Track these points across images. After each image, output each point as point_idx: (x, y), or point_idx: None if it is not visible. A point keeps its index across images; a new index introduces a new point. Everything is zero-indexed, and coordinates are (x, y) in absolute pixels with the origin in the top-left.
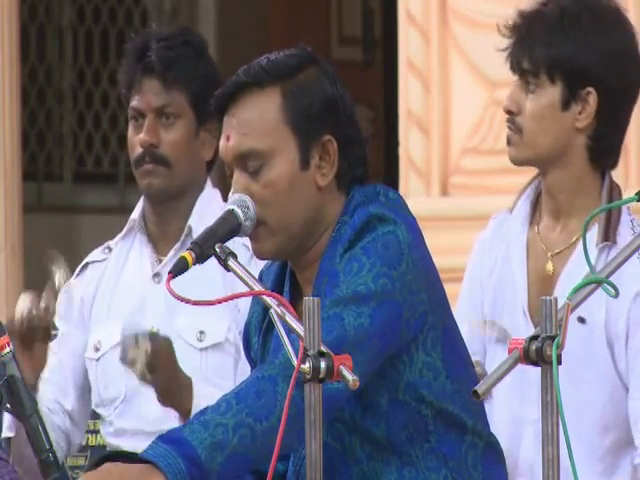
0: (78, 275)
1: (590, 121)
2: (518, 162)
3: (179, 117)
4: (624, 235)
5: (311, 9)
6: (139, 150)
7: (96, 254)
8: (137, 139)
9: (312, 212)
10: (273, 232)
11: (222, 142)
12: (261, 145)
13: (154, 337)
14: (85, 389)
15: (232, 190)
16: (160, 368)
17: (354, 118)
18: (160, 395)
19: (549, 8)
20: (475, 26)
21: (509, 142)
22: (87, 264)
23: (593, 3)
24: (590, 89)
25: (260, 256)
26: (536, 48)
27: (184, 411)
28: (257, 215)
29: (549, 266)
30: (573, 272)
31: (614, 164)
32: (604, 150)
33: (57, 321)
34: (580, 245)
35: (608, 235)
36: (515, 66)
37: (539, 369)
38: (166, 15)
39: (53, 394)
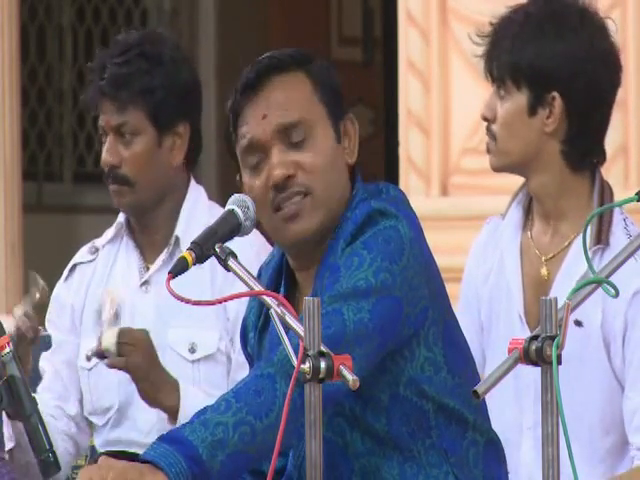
0: (67, 279)
1: (558, 125)
2: (497, 169)
3: (137, 134)
4: (618, 236)
5: (311, 9)
6: (105, 169)
7: (84, 254)
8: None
9: (342, 190)
10: (318, 203)
11: (255, 123)
12: (305, 115)
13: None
14: None
15: (278, 171)
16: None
17: None
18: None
19: (517, 14)
20: (475, 26)
21: (488, 150)
22: (75, 266)
23: (559, 7)
24: (555, 94)
25: (299, 235)
26: (502, 56)
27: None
28: (305, 186)
29: (544, 271)
30: (568, 276)
31: (602, 161)
32: (579, 153)
33: (49, 329)
34: (573, 249)
35: (600, 238)
36: (488, 74)
37: (534, 375)
38: (166, 15)
39: (54, 401)
